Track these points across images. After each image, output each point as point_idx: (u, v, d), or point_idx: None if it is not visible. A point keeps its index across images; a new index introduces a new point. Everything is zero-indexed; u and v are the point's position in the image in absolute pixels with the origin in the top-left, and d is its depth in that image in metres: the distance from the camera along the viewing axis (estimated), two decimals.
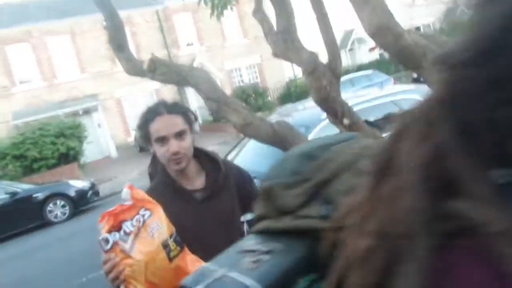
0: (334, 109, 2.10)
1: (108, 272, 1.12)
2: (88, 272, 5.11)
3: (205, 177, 1.45)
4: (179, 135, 1.35)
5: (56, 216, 9.28)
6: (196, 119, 1.46)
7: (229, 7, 4.30)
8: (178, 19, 19.94)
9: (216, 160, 1.49)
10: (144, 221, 1.15)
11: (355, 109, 4.65)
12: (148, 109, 1.42)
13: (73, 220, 9.23)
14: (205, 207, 1.39)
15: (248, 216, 1.32)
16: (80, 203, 9.49)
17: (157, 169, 1.47)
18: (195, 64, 18.23)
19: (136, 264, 1.11)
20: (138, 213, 1.16)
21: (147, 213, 1.17)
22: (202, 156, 1.49)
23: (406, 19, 25.10)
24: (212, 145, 11.00)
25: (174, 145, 1.34)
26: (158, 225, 1.16)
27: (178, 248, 1.18)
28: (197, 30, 20.24)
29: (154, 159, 1.49)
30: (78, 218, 9.28)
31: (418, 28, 25.68)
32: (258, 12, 2.71)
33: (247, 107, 2.11)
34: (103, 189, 10.96)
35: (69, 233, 8.14)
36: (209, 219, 1.37)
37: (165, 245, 1.15)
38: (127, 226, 1.14)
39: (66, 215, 9.32)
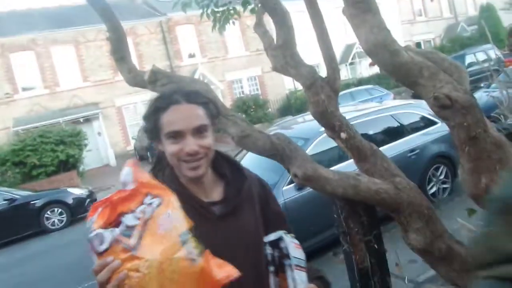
0: (332, 123, 2.12)
1: (103, 284, 0.81)
2: (84, 281, 5.08)
3: (223, 187, 1.16)
4: (199, 131, 1.05)
5: (53, 224, 9.24)
6: (219, 113, 1.16)
7: (230, 21, 4.38)
8: (181, 31, 20.14)
9: (238, 167, 1.21)
10: (152, 212, 0.85)
11: (354, 122, 4.74)
12: (161, 95, 1.12)
13: (70, 228, 9.19)
14: (225, 223, 1.09)
15: (272, 237, 1.16)
16: (78, 211, 9.46)
17: (164, 174, 1.14)
18: (196, 75, 18.37)
19: (145, 266, 0.80)
20: (142, 203, 0.87)
21: (156, 201, 0.87)
22: (219, 161, 1.18)
23: (407, 35, 25.40)
24: None
25: (191, 143, 1.04)
26: (172, 215, 0.86)
27: (200, 245, 0.87)
28: (199, 42, 20.42)
29: (160, 162, 1.17)
30: (75, 226, 9.24)
31: (418, 44, 25.90)
32: (259, 26, 2.76)
33: (245, 119, 2.13)
34: (101, 197, 10.93)
35: (66, 241, 8.11)
36: (230, 238, 1.09)
37: (184, 241, 0.84)
38: (129, 220, 0.85)
39: (63, 222, 9.29)
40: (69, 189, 9.97)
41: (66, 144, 13.21)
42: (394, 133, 5.17)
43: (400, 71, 1.74)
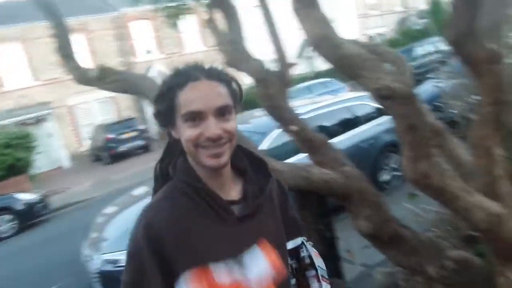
0: (282, 116, 2.16)
1: None
2: None
3: (242, 184, 1.00)
4: (222, 113, 0.90)
5: (1, 232, 8.75)
6: (242, 95, 0.99)
7: (184, 16, 4.32)
8: (135, 26, 19.61)
9: (262, 163, 1.05)
10: None
11: (311, 115, 4.83)
12: (177, 72, 0.96)
13: (21, 235, 8.75)
14: (244, 226, 0.93)
15: (290, 245, 1.04)
16: (28, 217, 8.99)
17: (175, 166, 0.97)
18: (153, 71, 17.99)
19: None
20: None
21: None
22: (239, 155, 1.01)
23: (363, 28, 26.16)
24: None
25: (213, 126, 0.88)
26: None
27: None
28: (155, 38, 19.99)
29: (170, 152, 1.01)
30: (27, 233, 8.81)
31: (373, 38, 26.76)
32: (211, 22, 2.75)
33: None
34: (55, 201, 10.48)
35: (17, 249, 7.72)
36: (250, 243, 0.93)
37: None
38: None
39: (13, 230, 8.81)
40: (17, 195, 9.41)
41: (14, 147, 12.51)
42: (349, 124, 5.33)
43: (344, 63, 1.79)
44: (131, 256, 0.91)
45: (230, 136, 0.91)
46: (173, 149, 0.99)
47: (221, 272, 0.86)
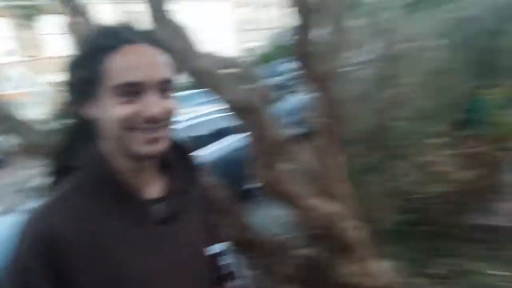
0: None
1: None
2: None
3: (166, 180, 0.82)
4: (164, 88, 0.71)
5: None
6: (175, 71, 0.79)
7: (40, 17, 3.97)
8: None
9: (190, 155, 0.87)
10: None
11: (186, 124, 4.82)
12: (105, 31, 0.73)
13: None
14: (163, 230, 0.77)
15: (217, 248, 0.93)
16: None
17: (83, 156, 0.76)
18: (12, 74, 16.08)
19: None
20: None
21: None
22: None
23: (240, 43, 27.31)
24: (39, 167, 9.65)
25: (156, 102, 0.70)
26: None
27: None
28: (15, 38, 17.83)
29: (79, 135, 0.78)
30: None
31: (247, 51, 28.22)
32: (71, 25, 2.58)
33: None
34: None
35: None
36: (167, 250, 0.77)
37: None
38: None
39: None
40: None
41: None
42: (221, 134, 5.48)
43: (201, 77, 1.86)
44: (11, 275, 0.69)
45: (171, 119, 0.73)
46: (83, 133, 0.77)
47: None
